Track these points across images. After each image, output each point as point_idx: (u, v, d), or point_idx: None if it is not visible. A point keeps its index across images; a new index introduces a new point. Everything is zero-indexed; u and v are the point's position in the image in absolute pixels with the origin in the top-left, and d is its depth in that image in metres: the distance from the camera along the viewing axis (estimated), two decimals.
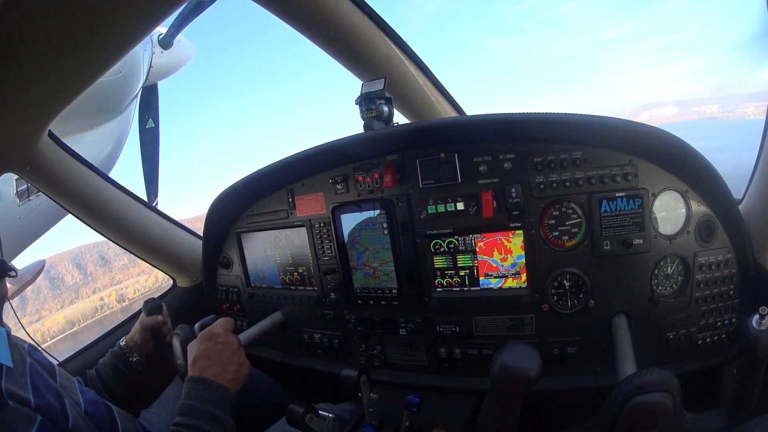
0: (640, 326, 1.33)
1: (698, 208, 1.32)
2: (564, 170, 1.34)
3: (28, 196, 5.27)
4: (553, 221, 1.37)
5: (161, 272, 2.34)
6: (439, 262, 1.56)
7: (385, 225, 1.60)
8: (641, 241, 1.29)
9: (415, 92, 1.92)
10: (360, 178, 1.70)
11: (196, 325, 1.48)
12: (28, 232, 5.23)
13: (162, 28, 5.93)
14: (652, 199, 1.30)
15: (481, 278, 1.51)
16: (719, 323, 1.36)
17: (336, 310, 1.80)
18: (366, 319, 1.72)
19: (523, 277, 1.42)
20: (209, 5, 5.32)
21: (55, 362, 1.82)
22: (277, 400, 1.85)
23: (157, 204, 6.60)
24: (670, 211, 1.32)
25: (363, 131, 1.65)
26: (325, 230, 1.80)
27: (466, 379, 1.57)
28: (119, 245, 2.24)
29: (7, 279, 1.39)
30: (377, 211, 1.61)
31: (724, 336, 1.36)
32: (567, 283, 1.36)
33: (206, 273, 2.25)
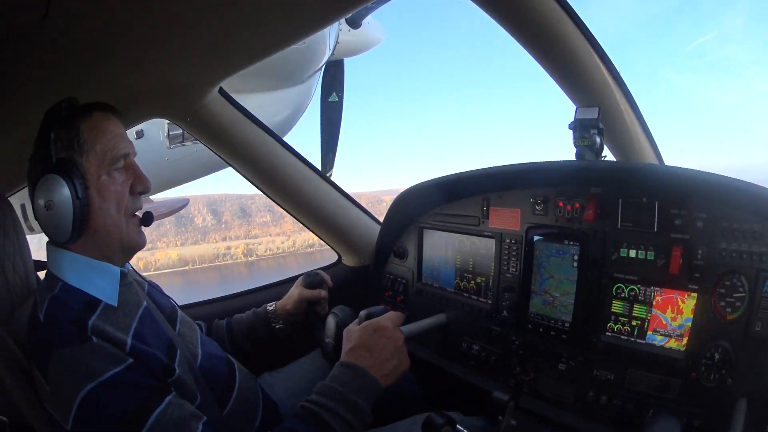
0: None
1: None
2: (744, 241, 1.29)
3: (183, 142, 5.54)
4: (723, 290, 1.31)
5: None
6: (616, 306, 1.51)
7: (576, 257, 1.57)
8: None
9: (621, 127, 1.87)
10: (561, 204, 1.65)
11: (363, 312, 1.48)
12: (175, 174, 5.59)
13: None
14: None
15: (649, 333, 1.44)
16: None
17: (504, 328, 1.77)
18: (531, 344, 1.68)
19: (684, 340, 1.37)
20: None
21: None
22: (410, 396, 1.88)
23: (330, 175, 6.87)
24: None
25: (574, 158, 1.62)
26: (514, 247, 1.77)
27: (603, 428, 1.51)
28: (286, 209, 2.35)
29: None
30: (572, 242, 1.58)
31: None
32: (717, 356, 1.30)
33: (377, 257, 2.29)
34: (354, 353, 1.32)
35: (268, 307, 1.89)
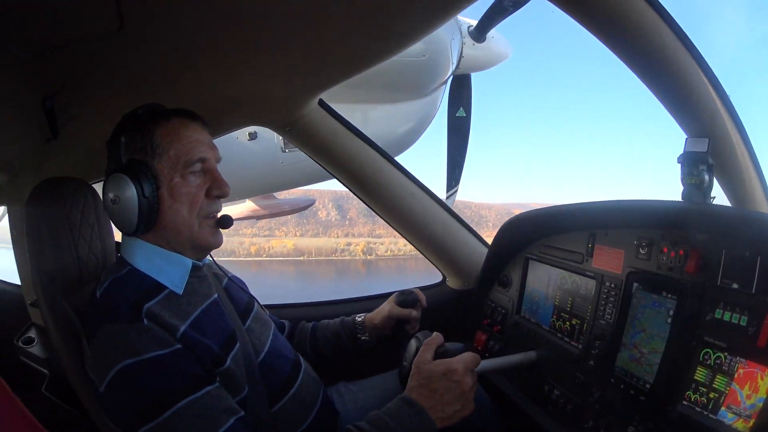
0: None
1: None
2: None
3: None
4: None
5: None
6: (700, 374, 1.33)
7: (671, 312, 1.41)
8: None
9: (732, 164, 1.69)
10: (665, 249, 1.49)
11: (440, 350, 1.43)
12: (288, 177, 5.74)
13: (472, 20, 6.05)
14: None
15: (723, 408, 1.26)
16: None
17: (587, 377, 1.63)
18: (609, 400, 1.54)
19: (751, 422, 1.20)
20: (515, 10, 5.32)
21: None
22: (488, 427, 1.83)
23: (456, 191, 6.90)
24: None
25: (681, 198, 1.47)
26: (613, 292, 1.62)
27: None
28: (390, 224, 2.35)
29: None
30: (670, 294, 1.43)
31: None
32: None
33: (481, 284, 2.24)
34: (418, 391, 1.30)
35: (356, 318, 1.90)
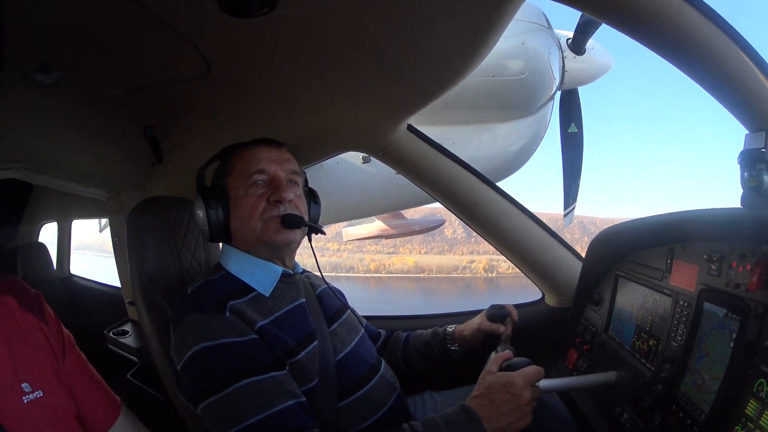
0: None
1: None
2: None
3: None
4: None
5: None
6: (751, 407, 1.16)
7: (734, 336, 1.26)
8: None
9: None
10: (734, 264, 1.35)
11: (505, 363, 1.45)
12: (403, 198, 5.82)
13: (568, 32, 5.93)
14: None
15: None
16: None
17: (654, 402, 1.50)
18: (669, 427, 1.42)
19: None
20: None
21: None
22: None
23: (574, 208, 6.75)
24: None
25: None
26: (685, 312, 1.50)
27: None
28: (489, 242, 2.40)
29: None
30: (734, 314, 1.28)
31: None
32: None
33: (576, 301, 2.22)
34: (477, 400, 1.35)
35: (447, 328, 1.97)
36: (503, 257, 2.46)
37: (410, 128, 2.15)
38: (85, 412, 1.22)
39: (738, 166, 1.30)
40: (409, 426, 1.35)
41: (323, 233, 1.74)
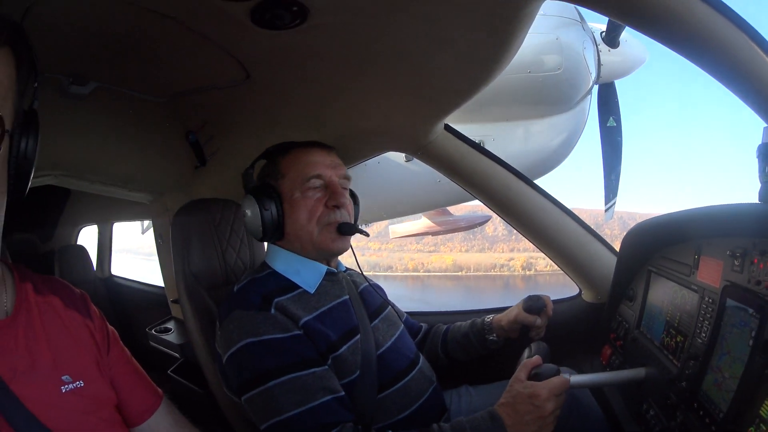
0: None
1: None
2: None
3: None
4: None
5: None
6: (765, 408, 1.12)
7: (753, 333, 1.21)
8: None
9: None
10: (755, 260, 1.31)
11: (533, 371, 1.48)
12: (449, 194, 5.86)
13: (601, 25, 5.91)
14: None
15: None
16: None
17: (678, 399, 1.47)
18: (689, 425, 1.38)
19: None
20: None
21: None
22: None
23: (614, 203, 6.74)
24: None
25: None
26: (710, 308, 1.47)
27: None
28: (528, 238, 2.43)
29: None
30: (754, 311, 1.24)
31: None
32: None
33: (611, 296, 2.23)
34: (503, 408, 1.40)
35: (485, 319, 2.02)
36: (541, 254, 2.46)
37: (447, 128, 2.19)
38: (127, 401, 1.29)
39: (756, 160, 1.28)
40: (438, 427, 1.41)
41: (368, 235, 1.80)
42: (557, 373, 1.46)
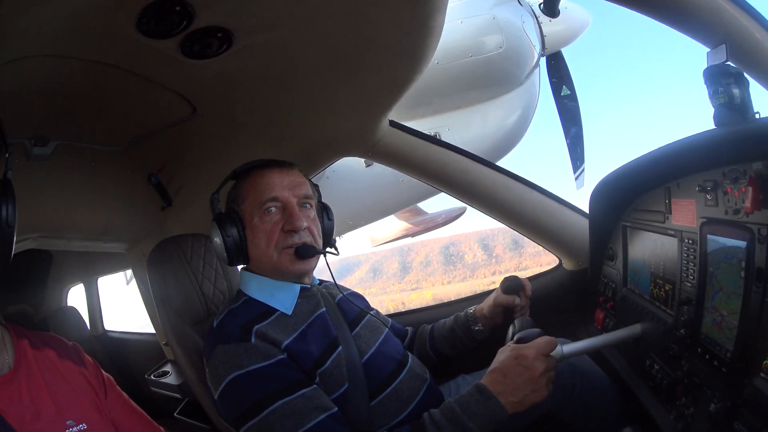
0: None
1: None
2: None
3: None
4: None
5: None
6: None
7: (743, 264, 1.19)
8: None
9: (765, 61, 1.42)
10: (728, 190, 1.27)
11: (518, 335, 1.44)
12: (416, 191, 5.92)
13: None
14: None
15: None
16: None
17: (679, 348, 1.44)
18: (697, 373, 1.36)
19: None
20: None
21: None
22: (606, 406, 1.77)
23: (583, 170, 6.69)
24: None
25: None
26: (692, 249, 1.45)
27: None
28: (497, 219, 2.40)
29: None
30: (738, 242, 1.21)
31: None
32: None
33: (591, 260, 2.21)
34: (491, 376, 1.39)
35: (468, 310, 1.98)
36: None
37: (392, 123, 2.19)
38: None
39: (704, 86, 1.25)
40: (429, 415, 1.40)
41: (337, 254, 1.79)
42: (542, 334, 1.42)
